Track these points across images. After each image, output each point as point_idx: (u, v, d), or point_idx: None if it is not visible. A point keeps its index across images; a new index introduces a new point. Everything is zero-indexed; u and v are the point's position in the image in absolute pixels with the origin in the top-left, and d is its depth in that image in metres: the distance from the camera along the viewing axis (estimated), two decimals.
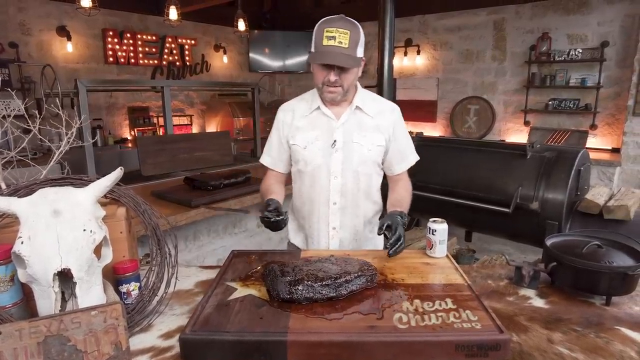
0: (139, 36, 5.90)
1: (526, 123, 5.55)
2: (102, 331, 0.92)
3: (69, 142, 1.39)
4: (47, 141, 1.52)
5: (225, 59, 7.04)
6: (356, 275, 1.17)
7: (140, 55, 5.96)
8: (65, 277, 0.98)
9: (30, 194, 1.04)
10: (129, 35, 5.79)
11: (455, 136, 6.12)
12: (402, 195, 1.65)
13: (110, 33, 5.62)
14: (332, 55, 1.40)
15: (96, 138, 5.06)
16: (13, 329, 0.86)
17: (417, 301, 1.11)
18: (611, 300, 1.23)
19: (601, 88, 4.92)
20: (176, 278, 1.21)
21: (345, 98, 1.56)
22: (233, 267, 1.34)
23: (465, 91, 6.02)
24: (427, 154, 3.22)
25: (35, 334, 0.87)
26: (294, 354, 0.94)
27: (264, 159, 1.74)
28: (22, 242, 0.95)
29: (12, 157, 1.40)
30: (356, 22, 1.45)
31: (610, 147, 5.01)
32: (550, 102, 5.28)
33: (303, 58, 7.18)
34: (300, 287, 1.10)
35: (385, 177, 1.72)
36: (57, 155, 1.35)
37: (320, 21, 1.44)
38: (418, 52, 6.30)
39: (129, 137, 6.01)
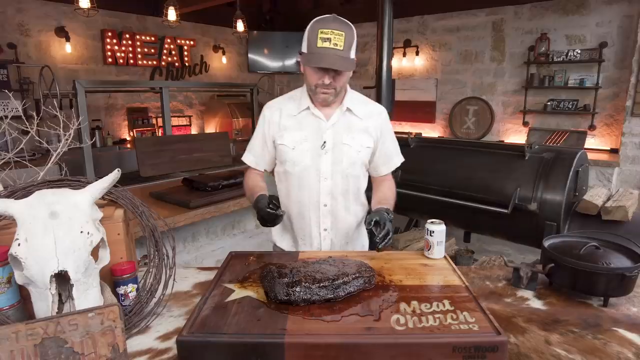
0: (137, 37, 5.90)
1: (525, 124, 5.56)
2: (100, 333, 0.92)
3: (66, 143, 1.39)
4: (44, 142, 1.52)
5: (224, 59, 7.04)
6: (354, 276, 1.17)
7: (139, 56, 5.96)
8: (62, 279, 0.98)
9: (28, 196, 1.04)
10: (127, 36, 5.79)
11: (454, 137, 6.13)
12: (387, 195, 1.65)
13: (109, 34, 5.62)
14: (329, 58, 1.38)
15: (94, 139, 5.05)
16: (10, 331, 0.86)
17: (414, 303, 1.11)
18: (609, 302, 1.23)
19: (600, 89, 4.93)
20: (174, 280, 1.21)
21: (336, 99, 1.55)
22: (231, 269, 1.34)
23: (464, 92, 6.02)
24: (426, 154, 3.24)
25: (32, 336, 0.87)
26: (292, 356, 0.94)
27: (247, 158, 1.71)
28: (19, 244, 0.95)
29: (9, 158, 1.39)
30: (349, 22, 1.43)
31: (608, 148, 5.01)
32: (549, 103, 5.28)
33: None
34: (297, 289, 1.10)
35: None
36: (54, 156, 1.35)
37: (313, 21, 1.42)
38: (417, 53, 6.30)
39: (128, 138, 6.01)
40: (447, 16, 5.97)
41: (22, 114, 1.53)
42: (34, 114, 1.50)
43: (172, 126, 4.26)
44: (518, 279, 1.34)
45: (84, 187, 1.11)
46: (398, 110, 6.45)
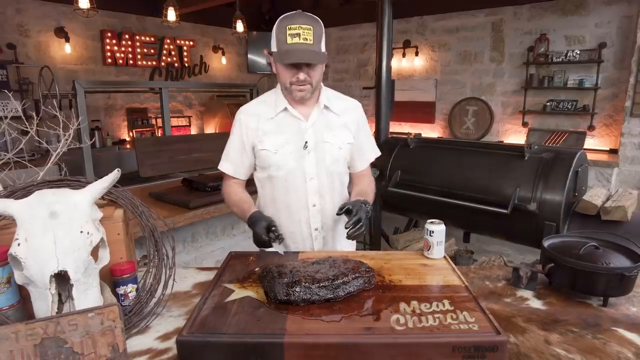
0: (137, 37, 5.90)
1: (524, 124, 5.56)
2: (99, 333, 0.91)
3: (66, 143, 1.39)
4: (44, 143, 1.52)
5: (223, 60, 7.04)
6: (353, 276, 1.17)
7: (139, 56, 5.96)
8: (62, 279, 0.98)
9: (28, 196, 1.04)
10: (127, 36, 5.79)
11: (453, 137, 6.13)
12: (365, 189, 1.65)
13: (109, 34, 5.62)
14: (300, 53, 1.37)
15: (94, 139, 5.05)
16: (9, 331, 0.86)
17: (414, 302, 1.11)
18: (608, 302, 1.23)
19: (599, 89, 4.94)
20: (174, 280, 1.21)
21: (312, 96, 1.53)
22: (231, 269, 1.34)
23: (463, 92, 6.03)
24: (426, 155, 3.24)
25: (31, 336, 0.87)
26: (291, 356, 0.94)
27: (224, 167, 1.64)
28: (18, 244, 0.95)
29: (9, 158, 1.40)
30: (315, 16, 1.42)
31: (608, 148, 5.02)
32: (548, 103, 5.29)
33: None
34: (297, 289, 1.10)
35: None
36: (54, 156, 1.35)
37: (280, 19, 1.40)
38: (416, 54, 6.30)
39: (127, 139, 6.01)
40: (447, 17, 5.98)
41: (21, 115, 1.53)
42: (34, 114, 1.49)
43: (172, 126, 4.25)
44: (518, 279, 1.34)
45: (84, 187, 1.11)
46: (397, 111, 6.45)
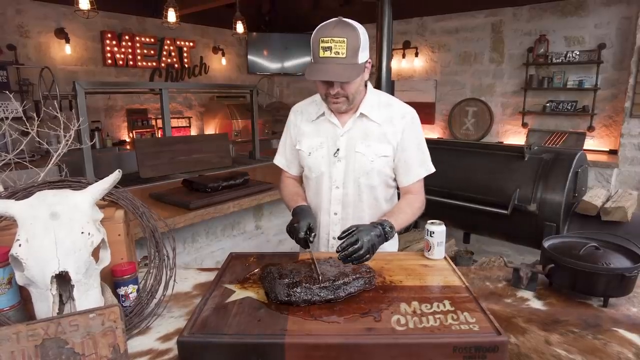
0: (137, 38, 5.90)
1: (524, 125, 5.57)
2: (100, 334, 0.92)
3: (67, 144, 1.39)
4: (45, 144, 1.52)
5: (223, 61, 7.04)
6: (354, 277, 1.17)
7: (139, 57, 5.96)
8: (63, 280, 0.98)
9: (28, 197, 1.04)
10: (127, 37, 5.79)
11: (453, 138, 6.14)
12: (398, 208, 1.53)
13: (109, 35, 5.62)
14: (329, 69, 1.32)
15: (94, 140, 5.04)
16: (10, 332, 0.86)
17: (415, 303, 1.11)
18: (609, 302, 1.23)
19: (598, 90, 4.94)
20: (174, 280, 1.21)
21: (351, 106, 1.48)
22: (231, 270, 1.34)
23: (463, 93, 6.03)
24: None
25: (32, 337, 0.87)
26: (292, 357, 0.94)
27: (278, 161, 1.71)
28: (19, 245, 0.95)
29: (10, 159, 1.40)
30: (356, 24, 1.35)
31: (607, 149, 5.02)
32: (548, 104, 5.29)
33: (301, 60, 7.19)
34: (298, 290, 1.10)
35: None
36: (55, 157, 1.35)
37: (317, 28, 1.34)
38: (416, 54, 6.31)
39: (128, 139, 6.01)
40: (446, 17, 5.99)
41: (22, 115, 1.53)
42: (34, 115, 1.49)
43: (172, 127, 4.25)
44: (518, 280, 1.34)
45: (85, 188, 1.11)
46: None
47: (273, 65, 7.36)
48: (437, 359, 0.94)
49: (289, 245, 1.84)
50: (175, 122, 6.30)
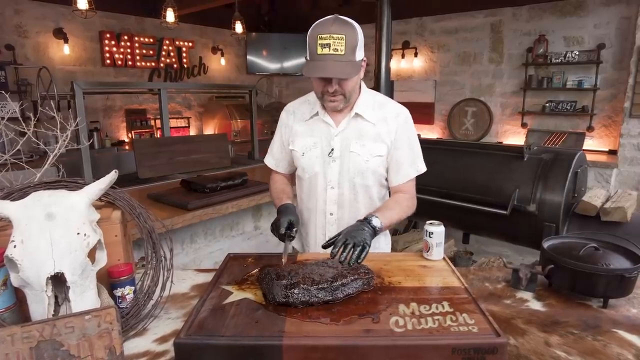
0: (136, 38, 5.89)
1: (523, 125, 5.57)
2: (96, 336, 0.91)
3: (63, 144, 1.38)
4: (41, 144, 1.52)
5: (222, 61, 7.04)
6: (352, 278, 1.16)
7: (138, 57, 5.95)
8: (58, 281, 0.97)
9: (24, 197, 1.03)
10: (126, 37, 5.79)
11: (452, 138, 6.13)
12: (386, 205, 1.51)
13: (108, 35, 5.61)
14: (328, 66, 1.31)
15: (92, 140, 5.04)
16: (5, 334, 0.85)
17: (413, 304, 1.10)
18: (608, 303, 1.22)
19: (598, 90, 4.94)
20: (171, 281, 1.20)
21: (347, 105, 1.48)
22: (229, 271, 1.33)
23: (462, 93, 6.03)
24: (425, 156, 3.22)
25: (27, 339, 0.86)
26: (290, 359, 0.93)
27: (268, 160, 1.72)
28: (14, 246, 0.94)
29: (6, 160, 1.39)
30: (352, 22, 1.36)
31: (607, 149, 5.02)
32: (547, 104, 5.29)
33: (301, 60, 7.18)
34: (296, 291, 1.09)
35: None
36: (51, 158, 1.34)
37: (314, 25, 1.34)
38: (415, 55, 6.31)
39: (126, 140, 6.00)
40: (446, 18, 5.98)
41: (19, 116, 1.52)
42: (32, 115, 1.49)
43: (171, 128, 4.24)
44: (517, 280, 1.33)
45: (81, 188, 1.10)
46: None
47: (272, 66, 7.36)
48: None
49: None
50: (174, 123, 6.30)
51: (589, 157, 3.17)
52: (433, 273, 1.32)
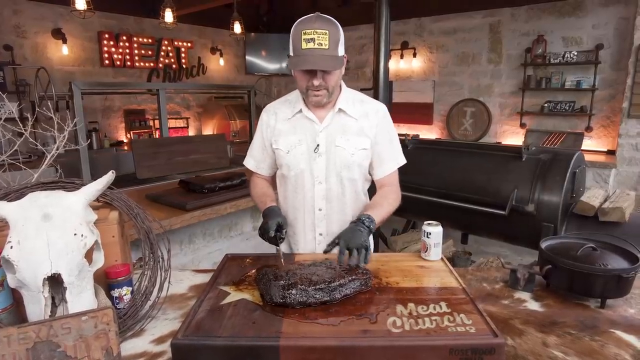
0: (134, 39, 5.89)
1: (522, 125, 5.57)
2: (93, 337, 0.91)
3: (61, 145, 1.38)
4: (39, 145, 1.51)
5: (221, 61, 7.04)
6: (350, 279, 1.16)
7: (136, 57, 5.95)
8: (55, 282, 0.97)
9: (21, 198, 1.03)
10: (124, 37, 5.78)
11: (451, 138, 6.14)
12: (375, 201, 1.55)
13: (106, 36, 5.61)
14: (314, 59, 1.35)
15: (89, 141, 5.03)
16: (1, 335, 0.85)
17: (411, 305, 1.10)
18: (606, 303, 1.22)
19: (596, 90, 4.95)
20: (169, 282, 1.20)
21: (330, 100, 1.51)
22: (227, 271, 1.33)
23: (461, 94, 6.03)
24: (423, 156, 3.23)
25: (24, 340, 0.86)
26: (287, 359, 0.93)
27: (248, 162, 1.71)
28: (11, 247, 0.94)
29: (3, 160, 1.38)
30: (333, 19, 1.40)
31: (605, 149, 5.03)
32: (546, 105, 5.30)
33: None
34: (293, 291, 1.09)
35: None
36: (48, 158, 1.34)
37: (296, 22, 1.39)
38: (414, 55, 6.31)
39: (125, 140, 5.99)
40: (444, 18, 5.99)
41: (16, 116, 1.52)
42: (29, 115, 1.48)
43: (169, 128, 4.24)
44: (515, 281, 1.33)
45: (78, 189, 1.10)
46: (395, 112, 6.40)
47: (271, 66, 7.35)
48: None
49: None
50: (172, 123, 6.29)
51: (588, 157, 3.17)
52: (431, 273, 1.32)
